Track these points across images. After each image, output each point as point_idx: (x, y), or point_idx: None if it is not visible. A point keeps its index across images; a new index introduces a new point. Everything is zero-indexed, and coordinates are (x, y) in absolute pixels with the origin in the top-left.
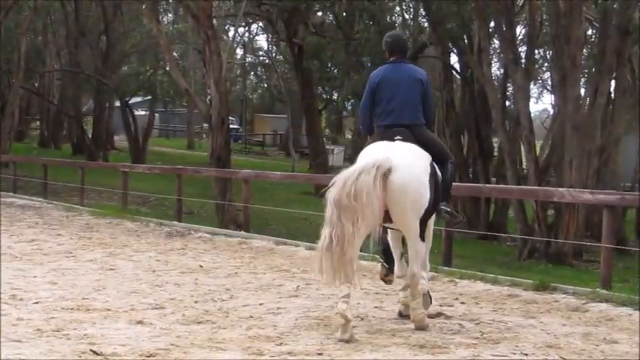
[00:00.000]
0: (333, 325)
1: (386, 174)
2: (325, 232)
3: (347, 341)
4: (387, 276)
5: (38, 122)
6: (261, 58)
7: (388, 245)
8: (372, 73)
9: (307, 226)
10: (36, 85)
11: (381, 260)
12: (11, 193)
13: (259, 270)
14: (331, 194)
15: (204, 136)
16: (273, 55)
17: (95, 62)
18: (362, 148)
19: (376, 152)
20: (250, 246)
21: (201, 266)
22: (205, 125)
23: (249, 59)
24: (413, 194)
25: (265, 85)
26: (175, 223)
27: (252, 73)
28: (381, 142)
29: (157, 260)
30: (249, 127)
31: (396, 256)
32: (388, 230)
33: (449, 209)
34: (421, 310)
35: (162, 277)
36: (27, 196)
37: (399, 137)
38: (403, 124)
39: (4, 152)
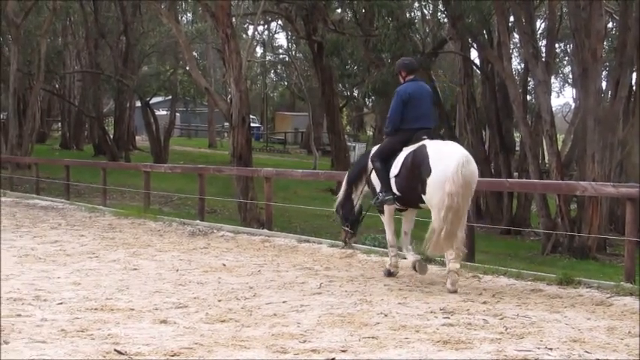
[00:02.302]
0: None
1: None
2: (441, 215)
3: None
4: (351, 239)
5: (59, 124)
6: (281, 56)
7: (357, 215)
8: (399, 88)
9: (330, 223)
10: (57, 86)
11: (347, 228)
12: (34, 195)
13: (282, 268)
14: (448, 188)
15: (226, 135)
16: (293, 52)
17: (115, 63)
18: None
19: (452, 148)
20: (273, 244)
21: (224, 265)
22: (226, 124)
23: (269, 57)
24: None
25: (285, 83)
26: (198, 222)
27: (272, 71)
28: (438, 140)
29: (180, 259)
30: (270, 126)
31: (392, 228)
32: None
33: None
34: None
35: (186, 277)
36: (50, 198)
37: (425, 137)
38: (427, 127)
39: (26, 154)
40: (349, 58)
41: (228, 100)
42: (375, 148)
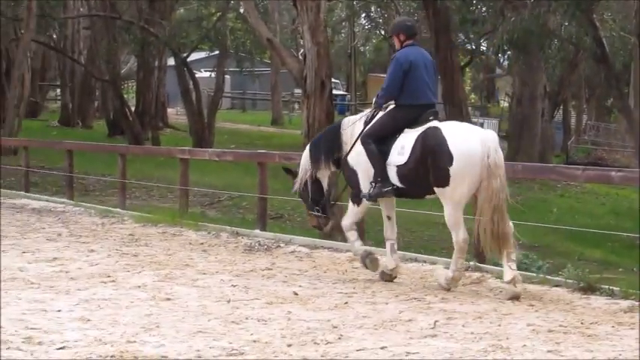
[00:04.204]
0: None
1: None
2: (488, 218)
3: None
4: (327, 225)
5: (59, 90)
6: None
7: (328, 196)
8: (398, 54)
9: (446, 233)
10: (54, 37)
11: (318, 213)
12: (22, 192)
13: (379, 298)
14: (495, 184)
15: (297, 106)
16: None
17: (138, 3)
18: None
19: (472, 128)
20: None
21: (296, 294)
22: (298, 91)
23: None
24: None
25: (382, 33)
26: (257, 232)
27: (364, 14)
28: (450, 121)
29: (233, 286)
30: (360, 93)
31: (357, 217)
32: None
33: None
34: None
35: (241, 310)
36: (45, 196)
37: (432, 117)
38: (432, 102)
39: (11, 134)
40: None
41: (301, 57)
42: (346, 118)
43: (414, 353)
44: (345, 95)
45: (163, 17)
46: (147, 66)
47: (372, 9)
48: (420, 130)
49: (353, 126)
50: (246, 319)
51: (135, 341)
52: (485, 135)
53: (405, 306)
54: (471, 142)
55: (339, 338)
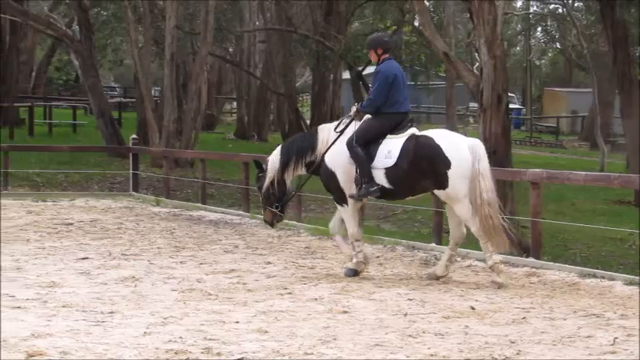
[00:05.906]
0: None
1: None
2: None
3: None
4: (279, 221)
5: (234, 104)
6: (552, 5)
7: (288, 196)
8: (382, 67)
9: (624, 250)
10: (230, 51)
11: (276, 210)
12: (199, 204)
13: (557, 314)
14: (484, 184)
15: (472, 120)
16: (571, 1)
17: (314, 16)
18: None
19: (465, 139)
20: (543, 279)
21: (473, 308)
22: (473, 105)
23: (535, 8)
24: None
25: (558, 46)
26: (433, 245)
27: (540, 28)
28: (434, 130)
29: (409, 299)
30: (535, 107)
31: (356, 220)
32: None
33: None
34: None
35: (418, 324)
36: (222, 208)
37: (410, 124)
38: (409, 110)
39: (188, 146)
40: None
41: (477, 71)
42: (333, 125)
43: None
44: (521, 109)
45: (339, 31)
46: (322, 79)
47: (548, 22)
48: (403, 135)
49: (328, 132)
50: (423, 332)
51: (312, 353)
52: (473, 142)
53: (584, 322)
54: (462, 148)
55: (517, 354)
